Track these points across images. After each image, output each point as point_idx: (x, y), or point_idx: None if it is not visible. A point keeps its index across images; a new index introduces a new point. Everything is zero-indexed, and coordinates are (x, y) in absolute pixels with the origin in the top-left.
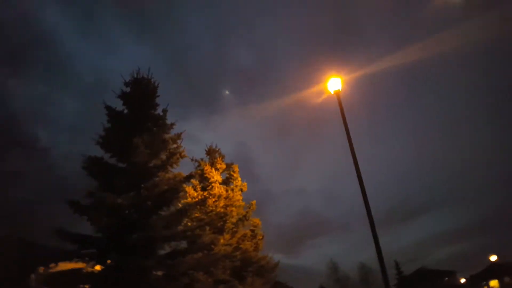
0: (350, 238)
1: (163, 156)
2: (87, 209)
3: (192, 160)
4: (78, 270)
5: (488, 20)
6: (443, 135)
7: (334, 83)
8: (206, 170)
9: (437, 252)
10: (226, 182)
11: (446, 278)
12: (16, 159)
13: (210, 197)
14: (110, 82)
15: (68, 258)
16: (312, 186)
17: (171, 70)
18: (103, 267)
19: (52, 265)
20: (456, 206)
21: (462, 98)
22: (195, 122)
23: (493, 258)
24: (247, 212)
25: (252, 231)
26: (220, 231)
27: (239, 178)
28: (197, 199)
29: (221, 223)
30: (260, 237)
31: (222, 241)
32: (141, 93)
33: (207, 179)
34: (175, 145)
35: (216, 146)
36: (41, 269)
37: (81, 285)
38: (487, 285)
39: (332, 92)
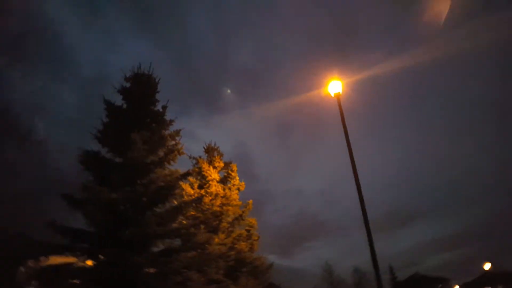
0: (346, 241)
1: (161, 153)
2: (81, 203)
3: (190, 157)
4: (69, 264)
5: (494, 22)
6: (444, 140)
7: (334, 86)
8: (204, 168)
9: (432, 258)
10: (224, 180)
11: (440, 285)
12: (9, 150)
13: (207, 195)
14: (111, 76)
15: (60, 252)
16: (311, 187)
17: (173, 66)
18: (94, 262)
19: (42, 258)
20: (453, 213)
21: (466, 103)
22: (195, 119)
23: (487, 266)
24: (243, 212)
25: (248, 231)
26: (215, 230)
27: (237, 177)
28: (193, 197)
29: (217, 222)
30: (256, 238)
31: (216, 240)
32: (141, 88)
33: (204, 177)
34: (173, 142)
35: (215, 144)
36: (30, 263)
37: (72, 280)
38: None
39: (333, 95)
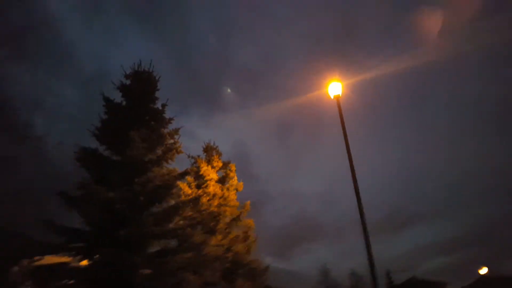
0: (344, 243)
1: (159, 151)
2: (77, 201)
3: (188, 156)
4: (64, 264)
5: (495, 25)
6: (444, 142)
7: (334, 88)
8: (202, 167)
9: (429, 262)
10: (222, 180)
11: None
12: (6, 145)
13: (205, 195)
14: (112, 73)
15: (55, 251)
16: (310, 189)
17: (174, 65)
18: (90, 262)
19: (37, 258)
20: (451, 216)
21: (466, 105)
22: (195, 118)
23: (483, 271)
24: (241, 213)
25: (245, 232)
26: (212, 231)
27: (236, 178)
28: (191, 197)
29: (214, 223)
30: (253, 240)
31: (213, 241)
32: (141, 86)
33: (202, 176)
34: (172, 141)
35: (214, 144)
36: (25, 262)
37: (67, 280)
38: None
39: (332, 97)
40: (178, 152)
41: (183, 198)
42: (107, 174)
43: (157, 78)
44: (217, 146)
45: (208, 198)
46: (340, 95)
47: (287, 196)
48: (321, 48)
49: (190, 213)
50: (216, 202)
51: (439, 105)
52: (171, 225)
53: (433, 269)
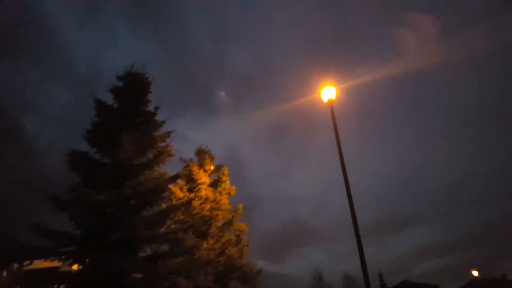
0: (336, 247)
1: (150, 154)
2: (67, 204)
3: (180, 160)
4: (54, 269)
5: (491, 27)
6: (441, 145)
7: (328, 92)
8: (194, 171)
9: (421, 265)
10: (215, 184)
11: None
12: None
13: (197, 199)
14: (105, 75)
15: (44, 255)
16: (301, 193)
17: (169, 67)
18: (80, 266)
19: (26, 262)
20: (445, 220)
21: (464, 109)
22: (189, 120)
23: (475, 273)
24: (233, 217)
25: (238, 236)
26: (204, 235)
27: (228, 182)
28: (182, 201)
29: (206, 227)
30: (245, 243)
31: (205, 245)
32: (133, 88)
33: (194, 180)
34: (163, 144)
35: (206, 147)
36: (14, 267)
37: (57, 285)
38: None
39: (326, 101)
40: (169, 155)
41: (174, 202)
42: (98, 177)
43: (150, 80)
44: (209, 150)
45: (200, 202)
46: (334, 100)
47: (279, 200)
48: (315, 53)
49: (182, 217)
50: (208, 206)
51: (436, 108)
52: (162, 229)
53: (425, 271)
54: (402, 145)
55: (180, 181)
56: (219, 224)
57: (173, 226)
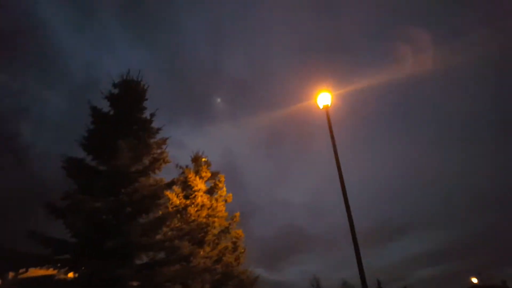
0: (334, 254)
1: (146, 161)
2: (63, 212)
3: (176, 166)
4: (50, 276)
5: (485, 34)
6: (432, 155)
7: (323, 98)
8: (190, 178)
9: (420, 272)
10: (211, 191)
11: None
12: None
13: (193, 206)
14: (102, 82)
15: (40, 263)
16: (298, 199)
17: (165, 73)
18: (76, 274)
19: (21, 270)
20: (443, 226)
21: (456, 117)
22: (185, 127)
23: (474, 280)
24: (230, 224)
25: (234, 243)
26: (201, 242)
27: (225, 188)
28: (178, 208)
29: (202, 234)
30: (242, 250)
31: (202, 253)
32: (129, 95)
33: (190, 187)
34: (159, 150)
35: (202, 154)
36: (10, 275)
37: None
38: None
39: (321, 107)
40: (165, 162)
41: (170, 208)
42: (94, 184)
43: (145, 87)
44: (206, 156)
45: (196, 209)
46: (329, 106)
47: (276, 206)
48: (310, 59)
49: (178, 224)
50: (204, 213)
51: (430, 116)
52: (159, 236)
53: (424, 278)
54: (398, 151)
55: (176, 188)
56: (216, 231)
57: (169, 233)
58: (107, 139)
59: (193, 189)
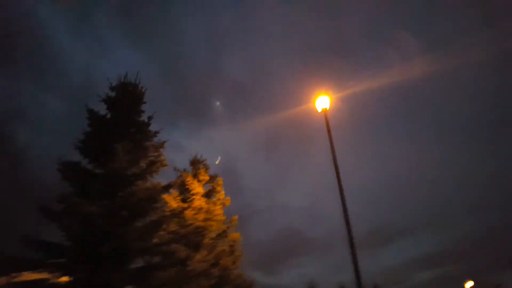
0: (331, 258)
1: (143, 164)
2: (58, 215)
3: (174, 169)
4: (43, 281)
5: (485, 35)
6: (431, 158)
7: (322, 101)
8: (188, 181)
9: (416, 276)
10: (209, 194)
11: None
12: None
13: (190, 209)
14: (99, 85)
15: (33, 267)
16: (297, 202)
17: (163, 76)
18: (70, 278)
19: (14, 274)
20: (440, 230)
21: (456, 120)
22: (183, 130)
23: (470, 284)
24: (227, 228)
25: (231, 246)
26: (198, 246)
27: (223, 192)
28: (175, 211)
29: (199, 237)
30: (239, 254)
31: (198, 256)
32: (126, 98)
33: (188, 190)
34: (156, 153)
35: (201, 157)
36: (2, 280)
37: None
38: None
39: (320, 110)
40: (162, 165)
41: (167, 212)
42: (90, 187)
43: (143, 90)
44: (204, 160)
45: (193, 212)
46: (328, 109)
47: (274, 210)
48: (309, 62)
49: (175, 227)
50: (201, 217)
51: (429, 119)
52: (155, 240)
53: (420, 282)
54: (396, 154)
55: (174, 191)
56: (213, 234)
57: (166, 237)
58: (103, 142)
59: (191, 192)
